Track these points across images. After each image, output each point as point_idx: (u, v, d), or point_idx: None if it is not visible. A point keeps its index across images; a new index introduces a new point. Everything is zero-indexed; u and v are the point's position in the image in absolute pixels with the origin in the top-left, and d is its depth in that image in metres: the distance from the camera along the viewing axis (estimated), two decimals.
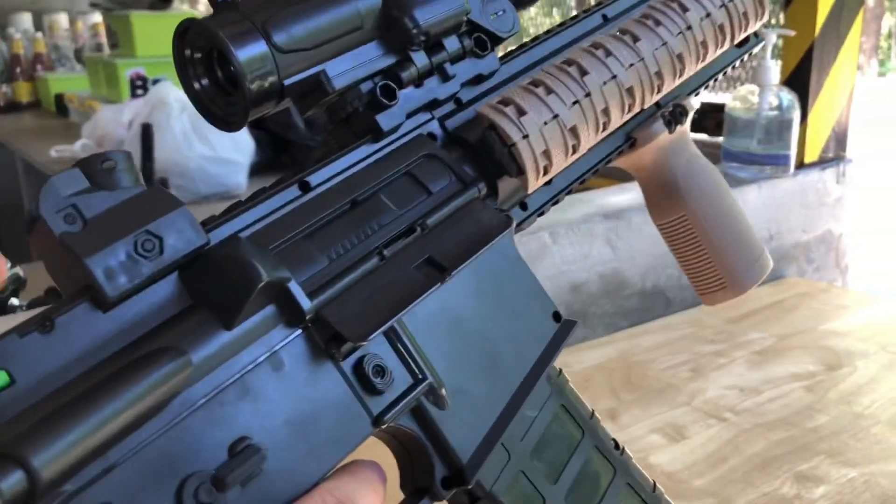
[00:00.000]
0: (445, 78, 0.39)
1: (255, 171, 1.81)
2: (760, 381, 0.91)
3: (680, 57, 0.46)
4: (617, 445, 0.40)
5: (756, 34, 0.55)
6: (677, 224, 0.53)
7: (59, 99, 2.78)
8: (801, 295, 1.16)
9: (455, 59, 0.39)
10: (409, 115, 0.37)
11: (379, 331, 0.30)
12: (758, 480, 0.73)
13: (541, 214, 0.44)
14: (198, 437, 0.27)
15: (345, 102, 0.36)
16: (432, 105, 0.39)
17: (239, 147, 1.72)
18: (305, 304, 0.29)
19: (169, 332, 0.27)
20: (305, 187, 0.33)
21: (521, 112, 0.38)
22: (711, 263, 0.53)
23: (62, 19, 3.18)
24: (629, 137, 0.49)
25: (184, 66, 0.34)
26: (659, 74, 0.45)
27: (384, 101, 0.36)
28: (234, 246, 0.28)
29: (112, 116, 1.94)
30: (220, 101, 0.34)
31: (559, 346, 0.38)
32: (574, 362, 0.96)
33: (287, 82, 0.33)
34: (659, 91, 0.45)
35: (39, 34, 3.10)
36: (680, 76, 0.47)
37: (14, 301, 0.96)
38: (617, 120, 0.43)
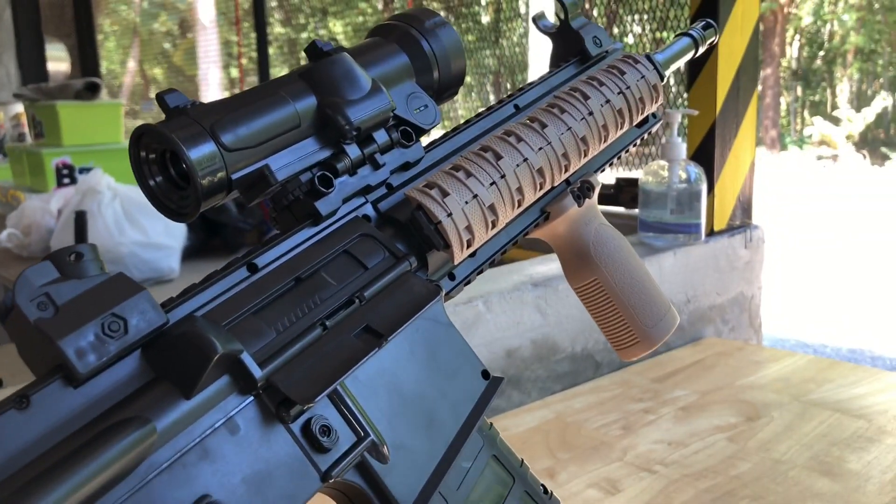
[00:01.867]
0: (376, 166, 0.44)
1: (188, 254, 1.82)
2: (686, 434, 0.97)
3: (584, 139, 0.52)
4: (545, 490, 0.44)
5: (654, 115, 0.62)
6: (591, 287, 0.59)
7: None
8: (718, 354, 1.23)
9: (384, 150, 0.44)
10: (345, 200, 0.42)
11: (324, 393, 0.33)
12: None
13: (468, 283, 0.48)
14: (163, 497, 0.29)
15: (286, 192, 0.40)
16: (365, 190, 0.43)
17: (171, 232, 1.74)
18: (257, 372, 0.32)
19: (134, 404, 0.30)
20: (253, 268, 0.37)
21: (444, 193, 0.43)
22: (624, 321, 0.59)
23: None
24: (543, 211, 0.54)
25: (139, 166, 0.38)
26: (566, 156, 0.50)
27: (322, 189, 0.40)
28: (191, 324, 0.32)
29: (39, 205, 1.93)
30: (174, 196, 0.37)
31: (488, 400, 0.41)
32: (512, 426, 0.99)
33: (234, 176, 0.37)
34: (566, 170, 0.51)
35: None
36: (585, 156, 0.53)
37: None
38: (530, 197, 0.48)
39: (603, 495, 0.84)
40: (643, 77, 0.57)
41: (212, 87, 6.49)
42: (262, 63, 2.88)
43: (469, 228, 0.43)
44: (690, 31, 0.66)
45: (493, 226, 0.45)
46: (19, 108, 3.05)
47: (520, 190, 0.47)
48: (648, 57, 0.59)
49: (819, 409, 1.02)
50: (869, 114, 10.31)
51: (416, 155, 0.46)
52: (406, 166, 0.45)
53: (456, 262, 0.44)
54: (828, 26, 10.97)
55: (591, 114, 0.52)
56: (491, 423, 0.43)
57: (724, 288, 1.34)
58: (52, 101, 2.45)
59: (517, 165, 0.47)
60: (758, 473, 0.86)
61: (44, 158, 2.39)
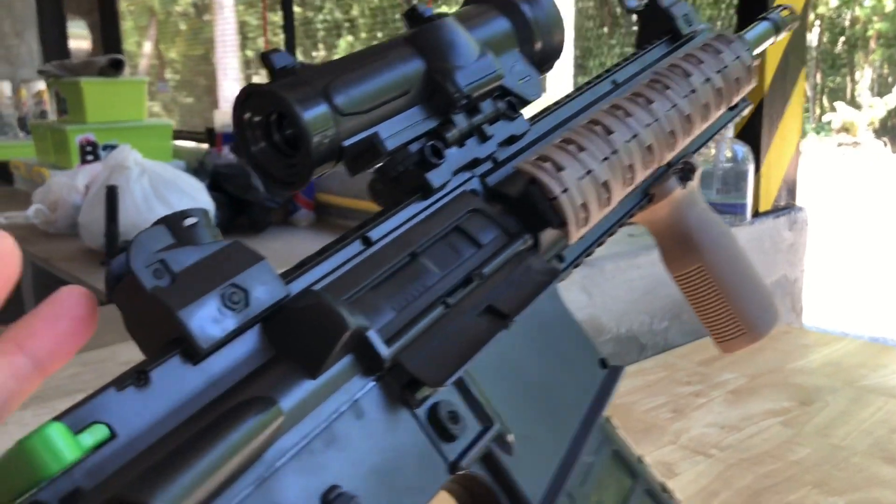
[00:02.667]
0: (483, 138, 0.41)
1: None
2: (739, 417, 0.94)
3: (689, 118, 0.49)
4: (664, 488, 0.42)
5: (744, 98, 0.60)
6: (694, 275, 0.56)
7: (3, 167, 2.73)
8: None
9: (491, 121, 0.42)
10: (454, 174, 0.39)
11: (456, 374, 0.30)
12: None
13: (576, 266, 0.46)
14: (291, 486, 0.27)
15: (395, 163, 0.38)
16: (473, 164, 0.41)
17: None
18: (384, 351, 0.30)
19: (256, 383, 0.27)
20: (367, 242, 0.35)
21: (558, 168, 0.41)
22: (728, 311, 0.55)
23: (5, 87, 3.15)
24: (646, 194, 0.51)
25: (242, 130, 0.35)
26: (673, 133, 0.48)
27: (433, 160, 0.38)
28: (316, 297, 0.29)
29: (66, 181, 1.91)
30: (279, 164, 0.35)
31: (610, 390, 0.39)
32: None
33: (345, 143, 0.35)
34: (673, 149, 0.49)
35: None
36: (689, 135, 0.50)
37: None
38: (640, 175, 0.46)
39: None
40: (738, 57, 0.55)
41: (229, 71, 6.47)
42: (289, 42, 2.84)
43: (585, 206, 0.41)
44: (769, 16, 0.63)
45: (607, 204, 0.43)
46: (41, 85, 3.03)
47: (631, 168, 0.44)
48: (741, 37, 0.57)
49: (874, 394, 1.00)
50: (891, 100, 10.19)
51: (522, 128, 0.43)
52: (511, 140, 0.43)
53: (572, 241, 0.41)
54: (849, 12, 10.84)
55: (693, 91, 0.50)
56: (608, 417, 0.40)
57: (767, 270, 1.31)
58: (77, 77, 2.43)
59: (627, 141, 0.44)
60: (818, 459, 0.84)
61: (68, 135, 2.37)
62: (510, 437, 0.34)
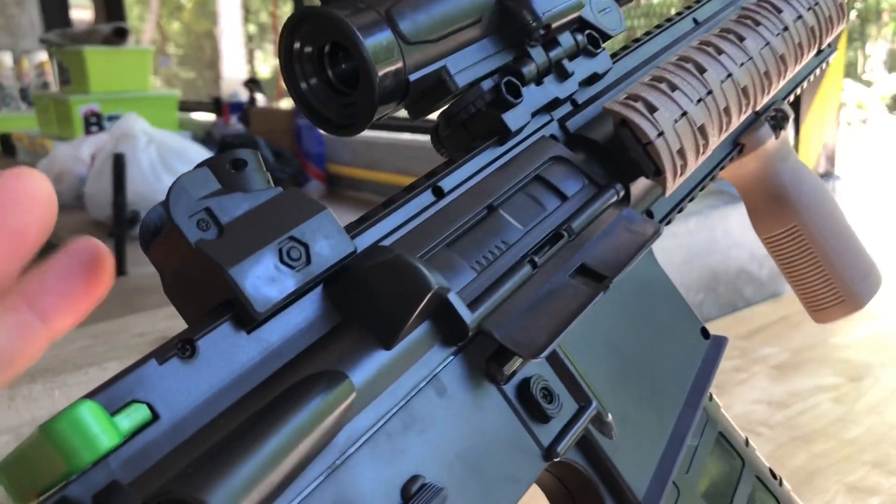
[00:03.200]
0: (563, 75, 0.36)
1: None
2: (786, 394, 0.89)
3: (782, 58, 0.44)
4: (773, 474, 0.37)
5: (829, 44, 0.54)
6: (788, 235, 0.51)
7: (6, 139, 2.68)
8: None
9: (571, 57, 0.37)
10: (532, 115, 0.34)
11: (554, 344, 0.26)
12: (808, 493, 0.70)
13: (668, 223, 0.40)
14: (367, 477, 0.22)
15: (465, 103, 0.33)
16: (552, 105, 0.36)
17: None
18: (467, 316, 0.25)
19: (322, 355, 0.23)
20: (439, 192, 0.30)
21: (651, 108, 0.35)
22: (826, 276, 0.50)
23: (6, 58, 3.09)
24: (737, 144, 0.46)
25: (290, 63, 0.30)
26: (767, 75, 0.43)
27: (510, 98, 0.33)
28: (390, 253, 0.25)
29: (70, 153, 1.87)
30: (332, 103, 0.30)
31: (715, 364, 0.34)
32: None
33: (412, 77, 0.30)
34: (767, 92, 0.44)
35: None
36: (782, 78, 0.45)
37: None
38: (735, 120, 0.41)
39: None
40: None
41: (232, 45, 6.39)
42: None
43: (682, 152, 0.36)
44: None
45: (703, 151, 0.38)
46: (43, 56, 2.97)
47: (727, 111, 0.39)
48: None
49: None
50: None
51: (604, 65, 0.38)
52: (593, 79, 0.38)
53: (668, 193, 0.36)
54: None
55: (786, 29, 0.45)
56: (711, 395, 0.36)
57: None
58: (79, 46, 2.37)
59: (722, 81, 0.39)
60: (874, 438, 0.79)
61: (71, 106, 2.32)
62: (609, 418, 0.29)
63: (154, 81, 3.38)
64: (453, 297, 0.25)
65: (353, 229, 0.27)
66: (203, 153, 1.68)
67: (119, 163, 1.39)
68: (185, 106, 2.82)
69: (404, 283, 0.24)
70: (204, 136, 2.02)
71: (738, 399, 0.88)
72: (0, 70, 3.03)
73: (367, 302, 0.24)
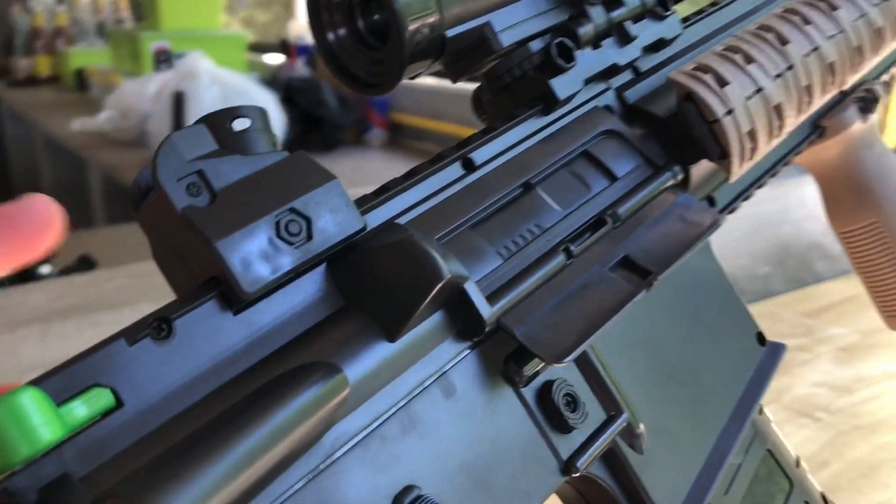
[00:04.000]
0: (625, 39, 0.33)
1: (285, 147, 1.75)
2: (851, 379, 0.84)
3: (879, 31, 0.39)
4: (825, 498, 0.33)
5: None
6: (867, 232, 0.46)
7: (80, 73, 2.72)
8: None
9: (636, 19, 0.33)
10: (586, 83, 0.31)
11: (582, 347, 0.23)
12: (866, 488, 0.66)
13: (731, 211, 0.37)
14: (354, 484, 0.20)
15: (510, 64, 0.30)
16: (610, 72, 0.32)
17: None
18: (485, 310, 0.23)
19: (316, 343, 0.21)
20: (469, 165, 0.27)
21: (722, 82, 0.31)
22: None
23: None
24: (817, 126, 0.42)
25: (318, 10, 0.28)
26: (860, 50, 0.38)
27: (560, 62, 0.30)
28: (402, 233, 0.22)
29: (137, 89, 1.88)
30: (362, 59, 0.28)
31: (769, 375, 0.31)
32: None
33: (450, 33, 0.27)
34: (857, 70, 0.39)
35: (61, 7, 3.04)
36: (877, 54, 0.40)
37: (44, 269, 0.90)
38: (818, 100, 0.37)
39: None
40: None
41: None
42: None
43: (752, 134, 0.32)
44: None
45: (777, 134, 0.34)
46: None
47: (809, 89, 0.35)
48: None
49: None
50: None
51: (673, 30, 0.34)
52: (660, 45, 0.34)
53: (733, 179, 0.33)
54: None
55: None
56: (761, 407, 0.32)
57: None
58: None
59: (805, 55, 0.35)
60: None
61: (142, 42, 2.33)
62: (641, 430, 0.26)
63: (231, 22, 3.39)
64: (471, 288, 0.23)
65: (368, 202, 0.24)
66: (265, 96, 1.67)
67: (179, 101, 1.39)
68: (257, 47, 2.82)
69: (413, 270, 0.21)
70: (270, 78, 2.01)
71: (799, 380, 0.83)
72: (78, 5, 3.08)
73: (371, 287, 0.22)
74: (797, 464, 0.33)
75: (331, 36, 0.28)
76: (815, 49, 0.35)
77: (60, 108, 2.40)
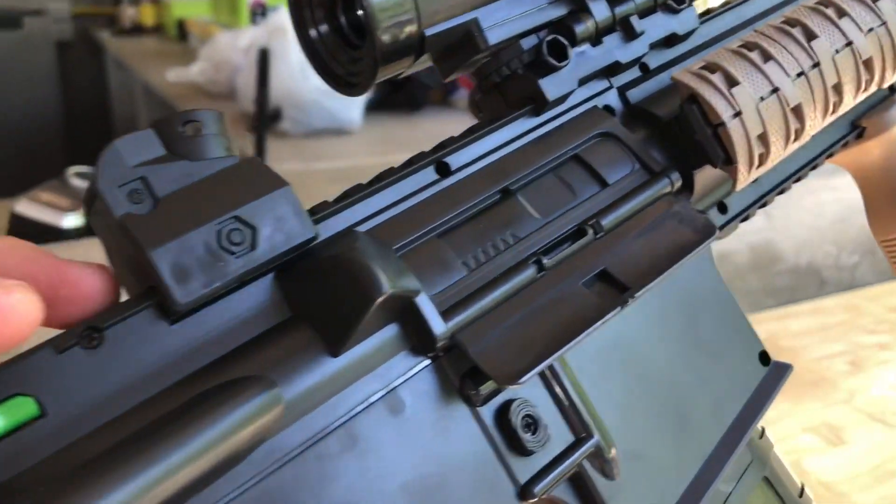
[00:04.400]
0: (630, 35, 0.31)
1: (370, 107, 1.75)
2: None
3: None
4: None
5: None
6: None
7: (181, 24, 2.78)
8: None
9: (643, 13, 0.31)
10: (581, 82, 0.30)
11: (537, 369, 0.22)
12: None
13: (745, 219, 0.35)
14: (284, 502, 0.20)
15: (499, 63, 0.29)
16: (612, 70, 0.31)
17: None
18: (438, 326, 0.22)
19: (256, 355, 0.21)
20: (444, 170, 0.26)
21: (731, 81, 0.29)
22: None
23: None
24: (855, 126, 0.39)
25: (300, 8, 0.27)
26: None
27: (551, 61, 0.28)
28: (349, 243, 0.22)
29: (229, 41, 1.90)
30: (342, 56, 0.27)
31: (770, 397, 0.29)
32: None
33: (429, 32, 0.26)
34: None
35: None
36: None
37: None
38: (849, 101, 0.34)
39: (822, 444, 0.69)
40: None
41: None
42: None
43: (763, 138, 0.30)
44: None
45: (796, 137, 0.31)
46: None
47: (837, 88, 0.32)
48: None
49: None
50: None
51: (688, 24, 0.33)
52: (672, 40, 0.33)
53: (739, 187, 0.31)
54: None
55: None
56: (763, 430, 0.31)
57: None
58: None
59: (837, 51, 0.32)
60: None
61: None
62: (612, 454, 0.25)
63: None
64: (423, 301, 0.22)
65: (325, 209, 0.24)
66: None
67: (264, 58, 1.40)
68: None
69: (352, 284, 0.21)
70: None
71: (877, 381, 0.79)
72: None
73: (315, 300, 0.21)
74: (801, 493, 0.31)
75: (313, 33, 0.27)
76: (849, 44, 0.32)
77: (160, 57, 2.46)
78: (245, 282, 0.21)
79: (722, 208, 0.34)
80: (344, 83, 0.27)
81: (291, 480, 0.20)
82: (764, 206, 0.36)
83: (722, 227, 0.34)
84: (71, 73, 2.97)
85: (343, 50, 0.27)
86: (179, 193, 0.20)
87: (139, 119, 2.51)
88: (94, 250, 0.22)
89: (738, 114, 0.29)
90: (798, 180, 0.37)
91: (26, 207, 1.11)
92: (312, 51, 0.27)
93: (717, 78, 0.29)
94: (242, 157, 0.21)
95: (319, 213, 0.23)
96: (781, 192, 0.36)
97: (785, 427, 0.71)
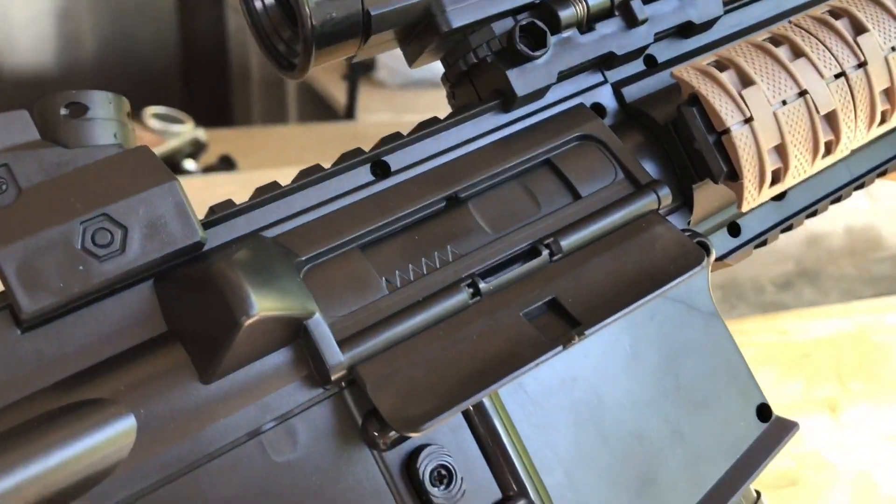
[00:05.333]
0: (632, 22, 0.26)
1: None
2: None
3: None
4: None
5: None
6: None
7: None
8: None
9: None
10: (563, 76, 0.26)
11: (444, 416, 0.19)
12: None
13: (763, 244, 0.30)
14: None
15: (467, 48, 0.26)
16: (607, 62, 0.27)
17: None
18: (333, 355, 0.19)
19: (114, 375, 0.18)
20: (382, 171, 0.23)
21: (745, 80, 0.25)
22: None
23: None
24: None
25: None
26: None
27: (523, 48, 0.25)
28: (228, 254, 0.19)
29: None
30: (286, 33, 0.25)
31: (767, 457, 0.25)
32: (793, 329, 0.79)
33: (375, 11, 0.23)
34: None
35: None
36: None
37: (189, 164, 0.94)
38: None
39: None
40: None
41: None
42: None
43: (782, 150, 0.25)
44: None
45: (827, 151, 0.26)
46: None
47: (889, 93, 0.27)
48: None
49: None
50: None
51: (709, 12, 0.28)
52: (688, 30, 0.28)
53: (746, 207, 0.26)
54: None
55: None
56: (759, 495, 0.26)
57: None
58: None
59: (893, 49, 0.27)
60: None
61: None
62: None
63: None
64: (317, 326, 0.19)
65: (231, 208, 0.21)
66: None
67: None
68: None
69: (218, 303, 0.18)
70: None
71: None
72: None
73: (187, 317, 0.19)
74: None
75: (258, 3, 0.25)
76: None
77: None
78: (112, 289, 0.19)
79: (734, 230, 0.29)
80: (286, 63, 0.25)
81: None
82: (789, 229, 0.31)
83: (729, 254, 0.29)
84: (190, 14, 3.06)
85: (287, 25, 0.25)
86: (46, 185, 0.18)
87: (251, 65, 2.55)
88: None
89: (748, 119, 0.24)
90: (837, 200, 0.32)
91: None
92: (255, 23, 0.25)
93: (726, 76, 0.25)
94: (129, 146, 0.19)
95: (220, 213, 0.21)
96: (813, 215, 0.31)
97: (860, 432, 0.66)
